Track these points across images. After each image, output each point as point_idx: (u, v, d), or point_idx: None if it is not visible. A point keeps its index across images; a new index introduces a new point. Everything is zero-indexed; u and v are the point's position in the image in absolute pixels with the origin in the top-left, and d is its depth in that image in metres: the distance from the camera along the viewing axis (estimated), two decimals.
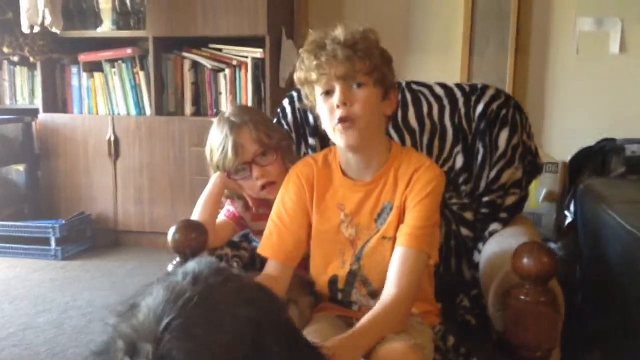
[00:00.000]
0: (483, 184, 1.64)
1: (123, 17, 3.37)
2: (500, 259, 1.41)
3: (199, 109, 3.38)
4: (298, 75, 1.30)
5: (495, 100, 1.67)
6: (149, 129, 3.33)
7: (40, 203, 3.51)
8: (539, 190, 1.90)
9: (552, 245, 1.95)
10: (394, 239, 1.26)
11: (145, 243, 3.41)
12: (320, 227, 1.32)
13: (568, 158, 2.28)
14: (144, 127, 3.34)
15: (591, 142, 2.30)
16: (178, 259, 1.34)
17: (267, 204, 1.43)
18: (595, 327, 1.80)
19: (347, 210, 1.31)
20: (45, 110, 3.47)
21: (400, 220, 1.27)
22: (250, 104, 3.24)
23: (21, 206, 3.53)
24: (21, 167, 3.55)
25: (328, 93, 1.24)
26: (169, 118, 3.33)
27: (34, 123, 3.52)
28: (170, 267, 1.33)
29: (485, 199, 1.63)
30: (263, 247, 1.33)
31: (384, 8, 3.36)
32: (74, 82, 3.49)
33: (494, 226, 1.61)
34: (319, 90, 1.26)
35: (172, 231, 1.32)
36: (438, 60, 3.31)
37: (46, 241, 3.18)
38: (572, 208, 2.15)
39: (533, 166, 1.72)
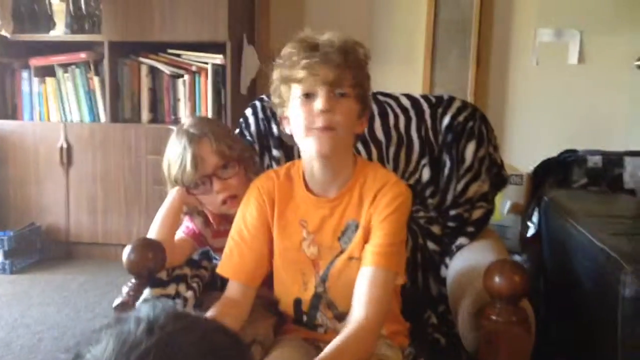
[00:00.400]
0: (450, 197, 1.61)
1: (77, 21, 3.24)
2: (468, 275, 1.37)
3: (156, 116, 3.27)
4: (280, 72, 1.21)
5: (461, 112, 1.65)
6: (104, 136, 3.21)
7: None
8: (504, 202, 1.89)
9: (518, 258, 1.94)
10: (361, 260, 1.21)
11: (98, 255, 3.28)
12: (282, 244, 1.26)
13: (530, 169, 2.28)
14: (98, 134, 3.22)
15: (553, 152, 2.31)
16: (133, 280, 1.26)
17: (229, 220, 1.36)
18: (561, 338, 1.79)
19: (309, 228, 1.25)
20: None
21: (367, 239, 1.22)
22: (210, 111, 3.16)
23: None
24: None
25: (308, 96, 1.18)
26: (125, 125, 3.22)
27: None
28: (124, 289, 1.25)
29: (452, 212, 1.60)
30: (223, 267, 1.26)
31: (345, 17, 3.33)
32: (25, 87, 3.33)
33: (461, 240, 1.58)
34: (297, 91, 1.19)
35: (127, 250, 1.24)
36: (400, 71, 3.30)
37: None
38: (534, 219, 2.15)
39: (499, 178, 1.70)
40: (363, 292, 1.15)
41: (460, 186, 1.60)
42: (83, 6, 3.22)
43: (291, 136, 1.25)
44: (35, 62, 3.27)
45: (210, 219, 1.40)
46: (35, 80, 3.29)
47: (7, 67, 3.33)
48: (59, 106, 3.29)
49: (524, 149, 3.03)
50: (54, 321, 2.46)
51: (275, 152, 1.69)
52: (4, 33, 2.97)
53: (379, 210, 1.21)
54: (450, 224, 1.60)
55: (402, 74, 3.31)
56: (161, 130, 2.98)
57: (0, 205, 3.32)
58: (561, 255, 1.82)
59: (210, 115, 3.15)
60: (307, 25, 3.24)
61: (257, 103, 1.74)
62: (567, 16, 3.16)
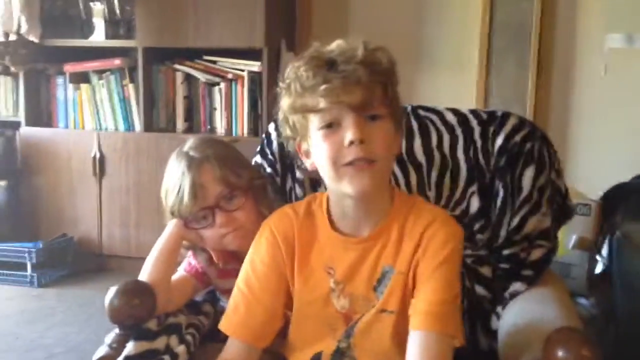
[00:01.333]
0: (503, 233, 1.36)
1: (112, 26, 3.13)
2: (525, 334, 1.13)
3: (192, 125, 3.12)
4: (290, 102, 0.99)
5: (518, 132, 1.40)
6: (137, 146, 3.08)
7: (20, 223, 3.27)
8: (568, 236, 1.63)
9: (584, 302, 1.67)
10: (397, 314, 1.00)
11: (130, 269, 3.13)
12: (304, 298, 1.05)
13: (599, 194, 1.99)
14: (131, 144, 3.09)
15: (625, 175, 2.02)
16: (117, 331, 1.07)
17: (237, 258, 1.16)
18: None
19: (337, 275, 1.03)
20: (28, 123, 3.23)
21: (406, 290, 1.00)
22: (245, 120, 2.99)
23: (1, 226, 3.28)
24: (2, 183, 3.31)
25: (331, 125, 0.96)
26: (159, 134, 3.07)
27: (17, 137, 3.28)
28: (107, 339, 1.06)
29: (506, 251, 1.35)
30: (225, 322, 1.06)
31: (392, 20, 3.09)
32: (59, 93, 3.25)
33: (516, 286, 1.32)
34: (317, 121, 0.97)
35: (110, 295, 1.05)
36: (451, 79, 3.03)
37: (22, 266, 2.93)
38: (603, 252, 1.87)
39: (563, 210, 1.44)
40: None
41: (516, 220, 1.35)
42: (118, 11, 3.10)
43: (314, 171, 1.04)
44: (70, 67, 3.18)
45: (214, 257, 1.20)
46: (70, 86, 3.20)
47: (42, 73, 3.25)
48: (93, 114, 3.19)
49: (591, 171, 2.69)
50: (73, 344, 2.33)
51: (298, 174, 1.47)
52: (31, 38, 2.86)
53: (428, 257, 1.00)
54: (504, 265, 1.35)
55: (453, 82, 3.04)
56: None
57: (33, 215, 3.24)
58: (636, 300, 1.54)
59: (246, 126, 2.98)
60: (351, 28, 3.05)
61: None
62: None
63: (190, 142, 1.21)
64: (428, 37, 3.05)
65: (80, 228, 3.18)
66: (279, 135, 1.52)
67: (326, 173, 0.99)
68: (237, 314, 1.05)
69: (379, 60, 0.98)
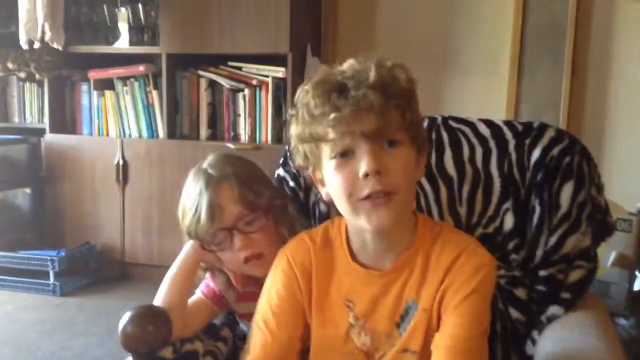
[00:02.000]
0: (540, 253, 1.27)
1: (136, 32, 3.10)
2: None
3: (215, 132, 3.08)
4: (299, 130, 0.91)
5: (556, 144, 1.31)
6: (160, 153, 3.05)
7: (44, 230, 3.26)
8: (607, 253, 1.53)
9: (623, 322, 1.57)
10: (420, 354, 0.91)
11: (154, 277, 3.08)
12: (322, 332, 0.97)
13: (638, 206, 1.88)
14: (154, 151, 3.06)
15: None
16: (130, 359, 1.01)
17: (256, 281, 1.09)
18: None
19: (357, 310, 0.96)
20: (52, 130, 3.23)
21: (430, 329, 0.92)
22: (269, 127, 2.93)
23: (24, 233, 3.27)
24: (28, 190, 3.32)
25: (345, 154, 0.88)
26: (182, 142, 3.04)
27: (41, 143, 3.28)
28: None
29: (543, 272, 1.26)
30: None
31: (421, 24, 3.00)
32: (84, 100, 3.24)
33: (554, 309, 1.23)
34: (328, 150, 0.89)
35: (123, 321, 1.00)
36: (482, 84, 2.93)
37: (44, 274, 2.91)
38: None
39: (603, 227, 1.35)
40: None
41: (553, 239, 1.26)
42: (142, 17, 3.07)
43: (331, 201, 0.96)
44: (94, 74, 3.17)
45: (232, 280, 1.14)
46: (95, 93, 3.19)
47: (67, 80, 3.25)
48: (117, 121, 3.17)
49: (628, 182, 2.56)
50: (93, 355, 2.29)
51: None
52: (55, 45, 2.85)
53: (454, 288, 0.91)
54: (540, 287, 1.26)
55: (483, 87, 2.94)
56: (220, 148, 2.77)
57: (57, 222, 3.23)
58: None
59: (270, 134, 2.93)
60: (377, 33, 2.96)
61: None
62: None
63: (209, 158, 1.15)
64: (458, 40, 2.95)
65: (103, 236, 3.16)
66: None
67: (341, 206, 0.91)
68: (253, 351, 0.98)
69: (394, 81, 0.89)
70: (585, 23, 2.78)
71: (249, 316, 1.07)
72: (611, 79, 2.81)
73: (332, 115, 0.85)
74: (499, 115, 2.88)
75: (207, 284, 1.18)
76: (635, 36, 2.73)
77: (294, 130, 0.93)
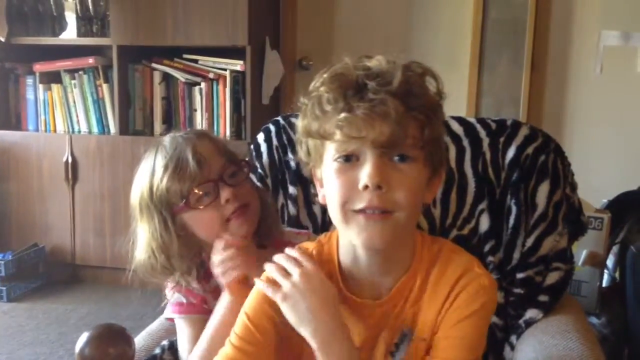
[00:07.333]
0: (517, 255, 1.24)
1: (84, 23, 2.95)
2: None
3: (170, 128, 2.95)
4: (305, 123, 0.84)
5: (530, 143, 1.28)
6: (112, 150, 2.91)
7: None
8: (578, 251, 1.52)
9: (595, 321, 1.56)
10: None
11: (106, 280, 2.99)
12: None
13: (602, 202, 1.88)
14: (105, 148, 2.92)
15: (628, 180, 1.91)
16: None
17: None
18: None
19: (354, 341, 0.87)
20: None
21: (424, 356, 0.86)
22: (228, 122, 2.84)
23: None
24: None
25: (348, 159, 0.81)
26: (135, 138, 2.91)
27: None
28: None
29: (520, 275, 1.23)
30: None
31: (380, 16, 2.95)
32: (29, 94, 3.06)
33: (531, 313, 1.21)
34: (332, 150, 0.82)
35: (80, 343, 0.90)
36: (443, 77, 2.86)
37: None
38: (610, 265, 1.76)
39: (577, 226, 1.32)
40: None
41: (530, 240, 1.23)
42: (91, 7, 2.92)
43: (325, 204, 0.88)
44: (40, 67, 3.00)
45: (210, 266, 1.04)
46: (41, 87, 3.02)
47: (11, 73, 3.07)
48: (65, 116, 3.02)
49: (591, 176, 2.55)
50: None
51: (291, 189, 1.34)
52: None
53: (451, 310, 0.85)
54: (517, 290, 1.23)
55: (444, 80, 2.89)
56: None
57: (2, 223, 3.06)
58: None
59: (228, 129, 2.83)
60: (337, 26, 2.88)
61: (271, 126, 1.40)
62: (636, 16, 2.73)
63: (171, 133, 1.07)
64: (418, 32, 2.92)
65: (52, 237, 3.01)
66: (269, 146, 1.38)
67: (333, 213, 0.83)
68: None
69: (421, 90, 0.81)
70: (545, 18, 2.78)
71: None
72: (570, 74, 2.83)
73: (342, 115, 0.78)
74: (460, 110, 2.88)
75: (180, 302, 1.08)
76: (594, 31, 2.75)
77: (299, 122, 0.86)
